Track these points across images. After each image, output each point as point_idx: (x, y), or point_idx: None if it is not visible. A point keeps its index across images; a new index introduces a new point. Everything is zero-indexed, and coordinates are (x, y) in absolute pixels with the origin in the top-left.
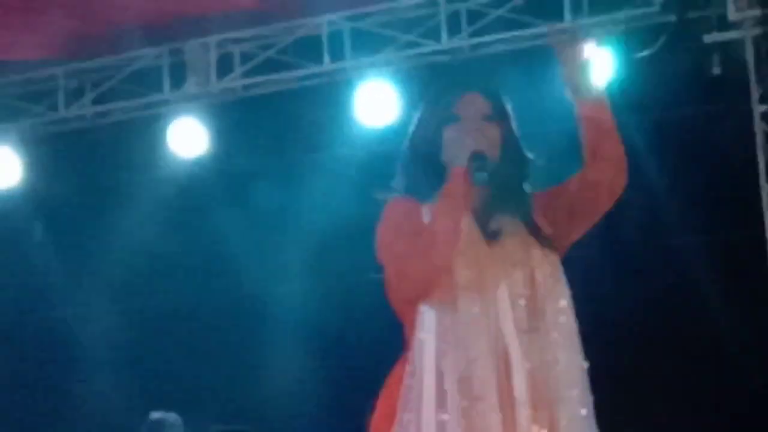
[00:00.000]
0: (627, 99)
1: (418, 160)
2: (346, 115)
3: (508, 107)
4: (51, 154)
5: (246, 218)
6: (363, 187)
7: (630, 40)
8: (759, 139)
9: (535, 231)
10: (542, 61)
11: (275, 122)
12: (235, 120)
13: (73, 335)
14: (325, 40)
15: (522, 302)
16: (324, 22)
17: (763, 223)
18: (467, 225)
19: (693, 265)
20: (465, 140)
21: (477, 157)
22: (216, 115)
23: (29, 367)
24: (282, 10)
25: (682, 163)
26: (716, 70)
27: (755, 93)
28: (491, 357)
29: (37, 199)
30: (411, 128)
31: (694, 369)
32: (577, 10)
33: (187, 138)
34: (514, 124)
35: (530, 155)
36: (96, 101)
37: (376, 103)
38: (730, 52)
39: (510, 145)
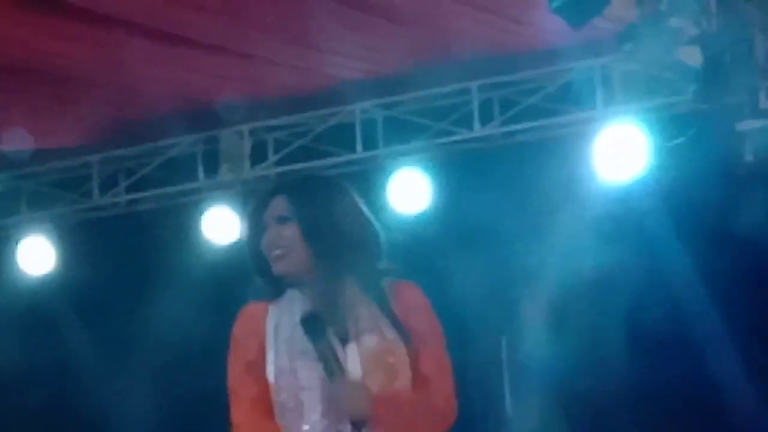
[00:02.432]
0: (660, 186)
1: (255, 270)
2: (380, 203)
3: (322, 201)
4: (85, 242)
5: None
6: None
7: (663, 127)
8: None
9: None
10: (574, 147)
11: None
12: None
13: (109, 421)
14: (358, 127)
15: None
16: (357, 110)
17: None
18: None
19: (725, 352)
20: (267, 250)
21: (309, 320)
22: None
23: None
24: (315, 97)
25: (714, 250)
26: (749, 158)
27: None
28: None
29: (71, 286)
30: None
31: None
32: (608, 98)
33: (221, 225)
34: (328, 214)
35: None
36: (130, 189)
37: (409, 190)
38: (762, 139)
39: (317, 240)
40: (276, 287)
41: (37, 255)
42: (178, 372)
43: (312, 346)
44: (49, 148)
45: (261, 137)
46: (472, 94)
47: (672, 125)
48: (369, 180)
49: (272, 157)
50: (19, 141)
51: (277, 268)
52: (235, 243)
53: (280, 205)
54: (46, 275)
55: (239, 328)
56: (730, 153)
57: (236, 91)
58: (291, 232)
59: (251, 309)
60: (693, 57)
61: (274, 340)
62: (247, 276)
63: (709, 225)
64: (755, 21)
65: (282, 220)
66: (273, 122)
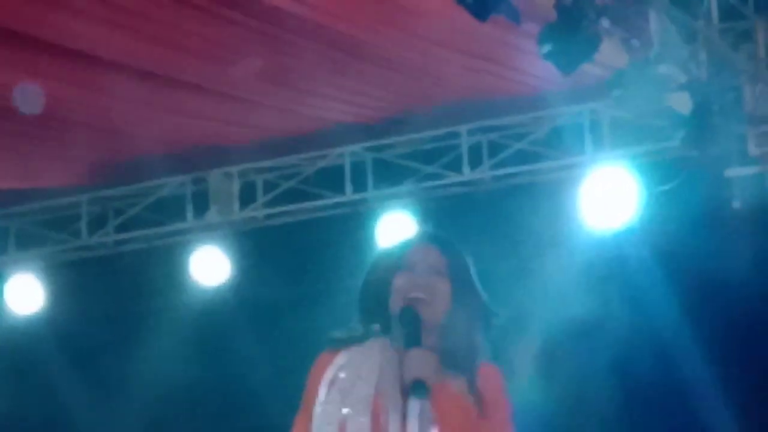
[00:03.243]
0: (648, 231)
1: (367, 304)
2: (368, 245)
3: (468, 266)
4: (73, 281)
5: (268, 347)
6: None
7: (651, 173)
8: None
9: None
10: (562, 192)
11: (297, 251)
12: (257, 249)
13: None
14: (347, 170)
15: None
16: (346, 153)
17: None
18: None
19: (707, 400)
20: (410, 290)
21: (417, 386)
22: (238, 243)
23: None
24: (305, 140)
25: (702, 296)
26: (737, 204)
27: None
28: None
29: (59, 325)
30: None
31: None
32: (597, 143)
33: (209, 266)
34: (472, 282)
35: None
36: (119, 229)
37: (398, 232)
38: (750, 186)
39: (461, 304)
40: (366, 331)
41: (25, 294)
42: (166, 414)
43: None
44: (37, 187)
45: (250, 179)
46: (461, 138)
47: (660, 171)
48: (358, 222)
49: (261, 199)
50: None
51: (423, 312)
52: (223, 284)
53: (433, 255)
54: (33, 314)
55: (309, 377)
56: (719, 199)
57: (225, 133)
58: (444, 287)
59: (324, 358)
60: (682, 104)
61: (331, 381)
62: (233, 318)
63: (697, 271)
64: (744, 69)
65: (436, 271)
66: (262, 164)
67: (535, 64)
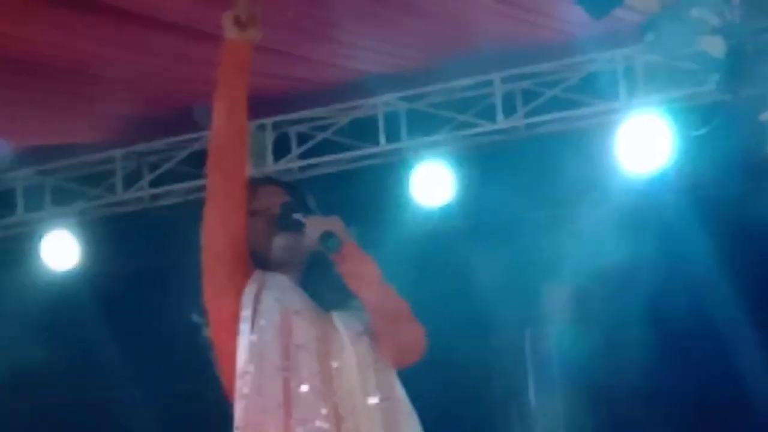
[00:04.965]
0: (683, 176)
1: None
2: (403, 196)
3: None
4: (109, 237)
5: None
6: (419, 267)
7: (685, 118)
8: None
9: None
10: (596, 139)
11: (331, 203)
12: None
13: (130, 417)
14: (381, 121)
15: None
16: (380, 103)
17: None
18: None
19: (745, 345)
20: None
21: (328, 237)
22: None
23: None
24: (338, 91)
25: (736, 241)
26: None
27: None
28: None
29: (95, 280)
30: None
31: None
32: (631, 89)
33: None
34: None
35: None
36: (153, 183)
37: (433, 183)
38: None
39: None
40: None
41: (61, 250)
42: (202, 368)
43: None
44: (71, 143)
45: (284, 131)
46: (495, 86)
47: (694, 116)
48: (392, 173)
49: (295, 151)
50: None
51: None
52: None
53: (276, 191)
54: (70, 270)
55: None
56: (753, 143)
57: (258, 84)
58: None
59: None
60: (715, 47)
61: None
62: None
63: (732, 215)
64: None
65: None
66: (296, 116)
67: (567, 10)
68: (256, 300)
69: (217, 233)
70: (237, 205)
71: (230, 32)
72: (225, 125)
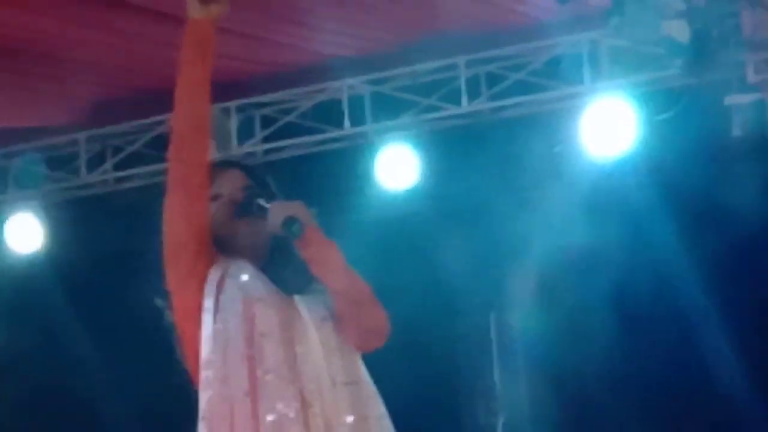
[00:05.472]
0: (647, 160)
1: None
2: (368, 179)
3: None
4: (72, 219)
5: None
6: (384, 251)
7: (650, 102)
8: None
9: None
10: (561, 122)
11: (296, 186)
12: None
13: (96, 403)
14: (345, 104)
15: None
16: (344, 87)
17: None
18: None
19: (706, 328)
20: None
21: (291, 222)
22: None
23: None
24: (302, 74)
25: (701, 225)
26: (736, 132)
27: None
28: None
29: (59, 263)
30: None
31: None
32: (596, 72)
33: None
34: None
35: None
36: (117, 166)
37: (397, 166)
38: (750, 113)
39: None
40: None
41: (25, 233)
42: (168, 352)
43: None
44: (35, 126)
45: (248, 114)
46: (460, 70)
47: (659, 100)
48: (357, 156)
49: (259, 134)
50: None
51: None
52: None
53: (236, 175)
54: (33, 253)
55: None
56: (718, 127)
57: (222, 68)
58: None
59: None
60: (680, 31)
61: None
62: None
63: (697, 200)
64: None
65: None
66: (260, 99)
67: None
68: (219, 289)
69: (179, 223)
70: (199, 194)
71: (192, 10)
72: (187, 110)
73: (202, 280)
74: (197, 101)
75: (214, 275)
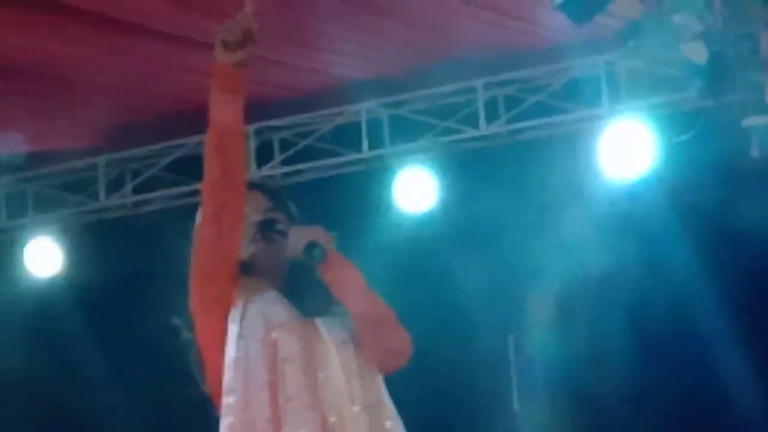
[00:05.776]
0: (665, 182)
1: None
2: (386, 202)
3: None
4: (91, 243)
5: None
6: (402, 274)
7: (668, 124)
8: None
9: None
10: (579, 145)
11: (314, 209)
12: None
13: (114, 423)
14: (363, 127)
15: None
16: (362, 110)
17: None
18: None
19: (728, 350)
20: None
21: (313, 246)
22: None
23: None
24: (321, 97)
25: (719, 247)
26: (754, 153)
27: None
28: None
29: (78, 287)
30: None
31: None
32: (614, 95)
33: None
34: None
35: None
36: (136, 190)
37: (415, 189)
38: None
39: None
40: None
41: (44, 257)
42: (185, 375)
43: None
44: (53, 150)
45: (266, 137)
46: (478, 93)
47: (677, 122)
48: (375, 179)
49: (278, 157)
50: (16, 144)
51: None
52: None
53: (257, 197)
54: (53, 277)
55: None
56: (736, 149)
57: None
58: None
59: None
60: (698, 54)
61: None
62: None
63: (715, 222)
64: (760, 17)
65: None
66: (278, 122)
67: (549, 16)
68: (242, 316)
69: (210, 254)
70: (232, 230)
71: (218, 54)
72: (219, 153)
73: (227, 308)
74: (228, 144)
75: (238, 303)
